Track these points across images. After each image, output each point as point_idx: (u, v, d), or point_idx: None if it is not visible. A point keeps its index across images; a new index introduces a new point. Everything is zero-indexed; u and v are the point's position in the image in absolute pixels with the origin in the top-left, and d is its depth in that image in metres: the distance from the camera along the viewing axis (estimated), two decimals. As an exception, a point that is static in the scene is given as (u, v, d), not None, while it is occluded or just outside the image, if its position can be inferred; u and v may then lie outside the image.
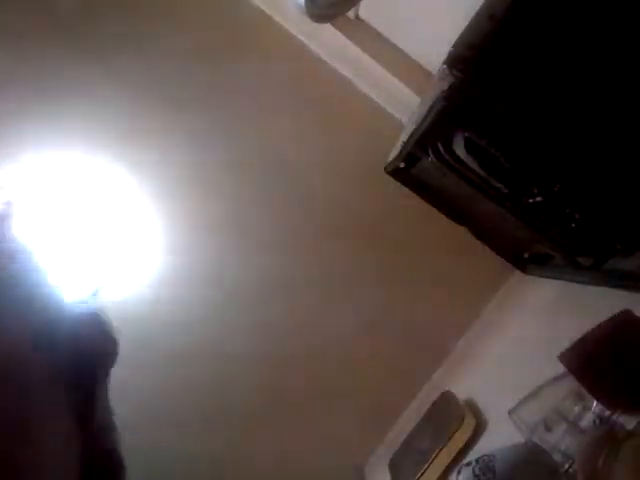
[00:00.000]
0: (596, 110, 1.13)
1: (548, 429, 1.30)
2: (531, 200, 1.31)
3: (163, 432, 2.35)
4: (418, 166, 1.60)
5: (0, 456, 0.26)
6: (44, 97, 2.32)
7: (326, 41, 2.32)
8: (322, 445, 2.47)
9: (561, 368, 1.28)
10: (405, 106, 2.10)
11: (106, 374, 0.35)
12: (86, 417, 0.32)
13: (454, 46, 1.12)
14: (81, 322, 0.34)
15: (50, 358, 0.30)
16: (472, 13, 1.13)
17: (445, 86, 1.15)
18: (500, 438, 1.55)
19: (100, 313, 0.36)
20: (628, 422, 1.18)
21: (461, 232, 1.82)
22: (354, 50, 2.26)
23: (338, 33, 2.23)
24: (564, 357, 1.27)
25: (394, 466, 2.17)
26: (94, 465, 0.33)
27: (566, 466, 1.26)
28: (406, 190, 1.78)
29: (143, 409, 2.25)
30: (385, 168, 1.73)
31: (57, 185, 2.38)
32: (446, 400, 2.10)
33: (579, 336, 1.28)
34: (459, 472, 1.50)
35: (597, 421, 1.23)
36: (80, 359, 0.32)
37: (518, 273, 2.12)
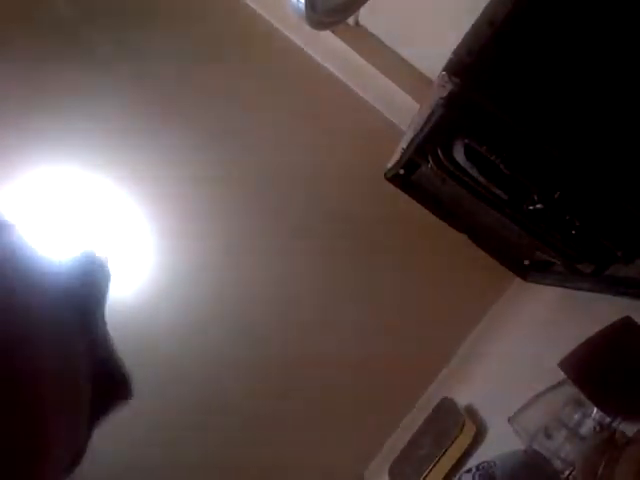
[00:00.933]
0: (596, 116, 1.13)
1: (548, 436, 1.30)
2: (531, 207, 1.31)
3: (161, 434, 2.34)
4: (418, 173, 1.60)
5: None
6: (43, 97, 2.33)
7: (326, 48, 2.32)
8: (322, 452, 2.47)
9: (561, 375, 1.28)
10: (404, 112, 2.10)
11: (104, 293, 0.41)
12: (89, 331, 0.38)
13: (454, 53, 1.12)
14: (77, 259, 0.40)
15: (60, 286, 0.36)
16: (472, 20, 1.13)
17: (445, 93, 1.15)
18: (500, 445, 1.54)
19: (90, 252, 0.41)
20: (628, 429, 1.17)
21: (461, 239, 1.82)
22: (354, 57, 2.26)
23: (338, 40, 2.23)
24: (564, 364, 1.27)
25: (394, 473, 2.17)
26: (102, 372, 0.38)
27: (566, 473, 1.26)
28: (405, 197, 1.78)
29: (141, 412, 2.25)
30: (385, 175, 1.73)
31: (51, 188, 2.38)
32: (446, 407, 2.10)
33: (579, 343, 1.28)
34: (459, 478, 1.50)
35: (597, 428, 1.22)
36: (83, 287, 0.39)
37: (518, 280, 2.11)
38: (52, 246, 0.39)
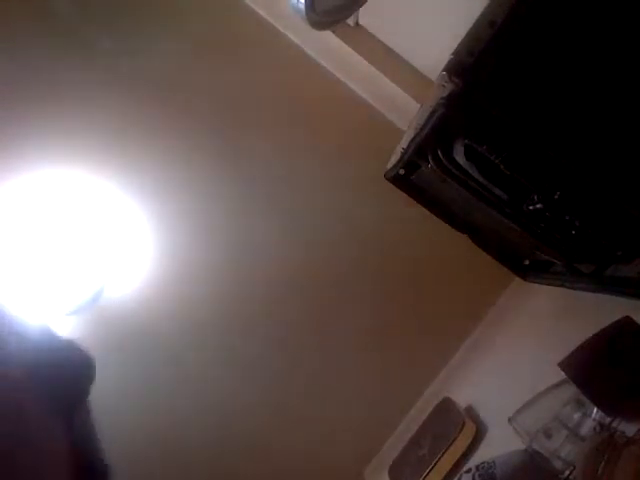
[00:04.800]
0: (596, 116, 1.13)
1: (548, 436, 1.30)
2: (531, 207, 1.31)
3: (161, 434, 2.34)
4: (418, 173, 1.60)
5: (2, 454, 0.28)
6: (42, 99, 2.33)
7: (326, 48, 2.32)
8: (322, 451, 2.47)
9: (561, 375, 1.28)
10: (405, 113, 2.10)
11: (87, 392, 0.39)
12: (70, 428, 0.36)
13: (454, 53, 1.13)
14: (61, 349, 0.38)
15: (41, 382, 0.34)
16: (473, 20, 1.13)
17: (445, 93, 1.15)
18: (500, 445, 1.54)
19: (73, 340, 0.39)
20: (628, 429, 1.17)
21: (461, 239, 1.82)
22: (354, 57, 2.26)
23: (338, 40, 2.23)
24: (564, 364, 1.27)
25: (394, 473, 2.17)
26: (82, 468, 0.36)
27: (566, 473, 1.26)
28: (405, 197, 1.78)
29: (140, 411, 2.26)
30: (385, 175, 1.73)
31: (51, 192, 2.38)
32: (446, 407, 2.10)
33: (579, 343, 1.28)
34: (459, 478, 1.50)
35: (597, 428, 1.23)
36: (64, 381, 0.37)
37: (518, 280, 2.11)
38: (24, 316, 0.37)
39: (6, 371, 0.32)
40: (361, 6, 1.71)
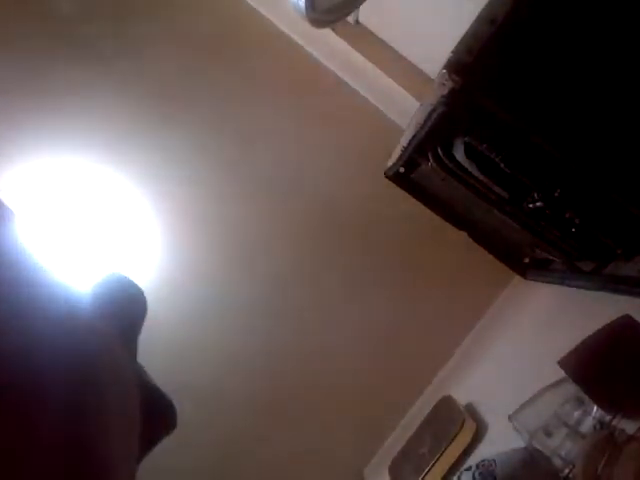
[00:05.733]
0: (596, 114, 1.13)
1: (548, 434, 1.30)
2: (531, 205, 1.31)
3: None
4: (418, 171, 1.60)
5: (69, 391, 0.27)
6: (43, 98, 2.33)
7: (326, 46, 2.32)
8: (322, 449, 2.47)
9: (561, 373, 1.28)
10: (405, 111, 2.10)
11: (142, 323, 0.40)
12: (135, 359, 0.38)
13: (454, 51, 1.12)
14: (115, 285, 0.40)
15: (109, 319, 0.35)
16: (472, 18, 1.13)
17: (445, 91, 1.15)
18: (500, 443, 1.55)
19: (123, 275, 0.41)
20: (628, 427, 1.18)
21: (461, 237, 1.82)
22: (354, 55, 2.26)
23: (338, 38, 2.23)
24: (564, 362, 1.27)
25: (394, 471, 2.17)
26: (146, 405, 0.36)
27: (566, 471, 1.26)
28: (406, 195, 1.78)
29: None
30: (385, 173, 1.73)
31: (55, 186, 2.38)
32: (446, 404, 2.10)
33: (579, 341, 1.28)
34: (459, 477, 1.50)
35: (597, 426, 1.23)
36: (125, 314, 0.38)
37: (518, 278, 2.12)
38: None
39: (92, 322, 0.32)
40: (361, 4, 1.71)
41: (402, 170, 1.63)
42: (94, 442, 0.28)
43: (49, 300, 0.30)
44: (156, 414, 0.38)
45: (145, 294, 0.41)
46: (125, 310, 0.38)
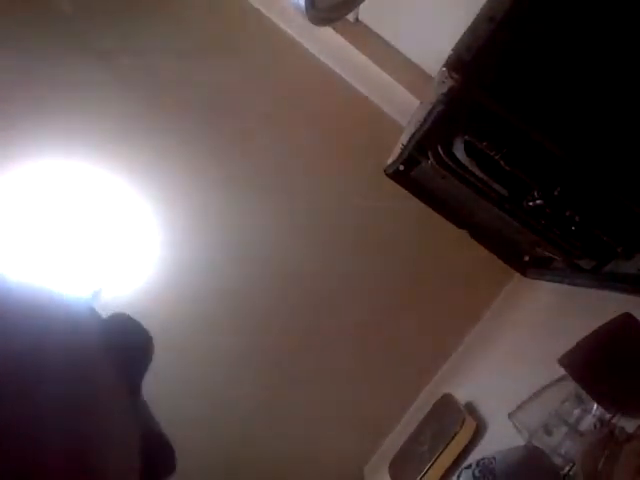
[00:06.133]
0: (596, 112, 1.13)
1: (548, 432, 1.30)
2: (531, 203, 1.31)
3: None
4: (418, 169, 1.60)
5: (67, 425, 0.28)
6: (44, 97, 2.33)
7: (326, 44, 2.32)
8: (322, 447, 2.47)
9: (561, 371, 1.28)
10: (405, 109, 2.10)
11: (148, 365, 0.39)
12: (136, 402, 0.37)
13: (454, 49, 1.12)
14: (121, 321, 0.39)
15: (110, 353, 0.34)
16: (472, 16, 1.13)
17: (444, 89, 1.14)
18: (500, 441, 1.55)
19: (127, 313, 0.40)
20: (628, 425, 1.17)
21: (461, 235, 1.82)
22: (354, 53, 2.26)
23: (338, 36, 2.23)
24: (564, 360, 1.27)
25: (394, 469, 2.17)
26: (146, 446, 0.36)
27: (566, 469, 1.26)
28: (405, 193, 1.78)
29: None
30: (385, 171, 1.73)
31: (55, 187, 2.38)
32: (446, 403, 2.10)
33: (579, 339, 1.28)
34: (459, 475, 1.50)
35: (597, 424, 1.23)
36: (129, 353, 0.37)
37: (518, 276, 2.11)
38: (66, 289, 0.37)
39: (86, 341, 0.32)
40: (361, 2, 1.70)
41: (402, 168, 1.63)
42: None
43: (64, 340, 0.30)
44: (157, 459, 0.38)
45: (152, 343, 0.40)
46: (130, 353, 0.37)
